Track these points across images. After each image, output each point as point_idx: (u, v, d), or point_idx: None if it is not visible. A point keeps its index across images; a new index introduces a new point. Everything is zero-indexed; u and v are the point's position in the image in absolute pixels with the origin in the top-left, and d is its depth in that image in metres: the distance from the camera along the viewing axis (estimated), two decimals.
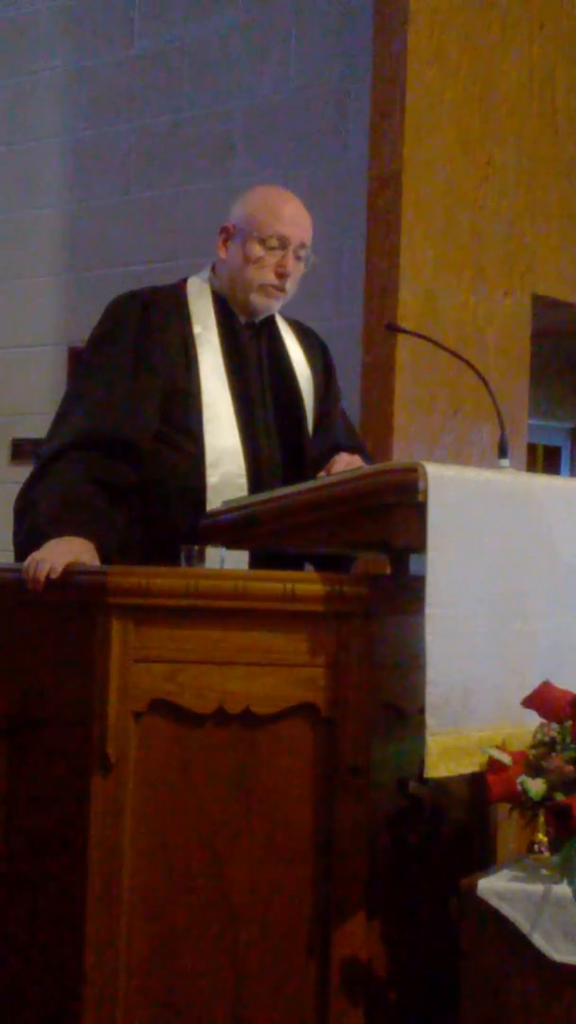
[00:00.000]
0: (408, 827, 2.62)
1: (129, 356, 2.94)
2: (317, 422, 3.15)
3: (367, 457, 3.15)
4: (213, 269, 3.11)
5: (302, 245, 3.00)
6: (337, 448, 3.10)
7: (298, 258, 3.01)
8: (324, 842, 2.49)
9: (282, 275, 2.99)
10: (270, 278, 2.99)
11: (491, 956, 2.40)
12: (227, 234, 3.03)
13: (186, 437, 2.94)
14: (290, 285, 3.02)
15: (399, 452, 4.52)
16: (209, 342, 3.01)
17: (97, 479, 2.82)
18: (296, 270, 3.02)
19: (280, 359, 3.12)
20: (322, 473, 2.95)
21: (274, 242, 2.97)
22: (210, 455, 2.93)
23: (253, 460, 2.97)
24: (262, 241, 2.97)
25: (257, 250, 2.98)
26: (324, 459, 3.04)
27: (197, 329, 3.01)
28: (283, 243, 2.97)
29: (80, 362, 3.14)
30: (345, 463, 2.96)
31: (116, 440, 2.86)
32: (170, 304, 3.03)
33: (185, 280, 3.12)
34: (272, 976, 2.48)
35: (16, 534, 2.86)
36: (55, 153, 5.86)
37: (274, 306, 3.06)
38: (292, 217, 2.99)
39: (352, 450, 3.09)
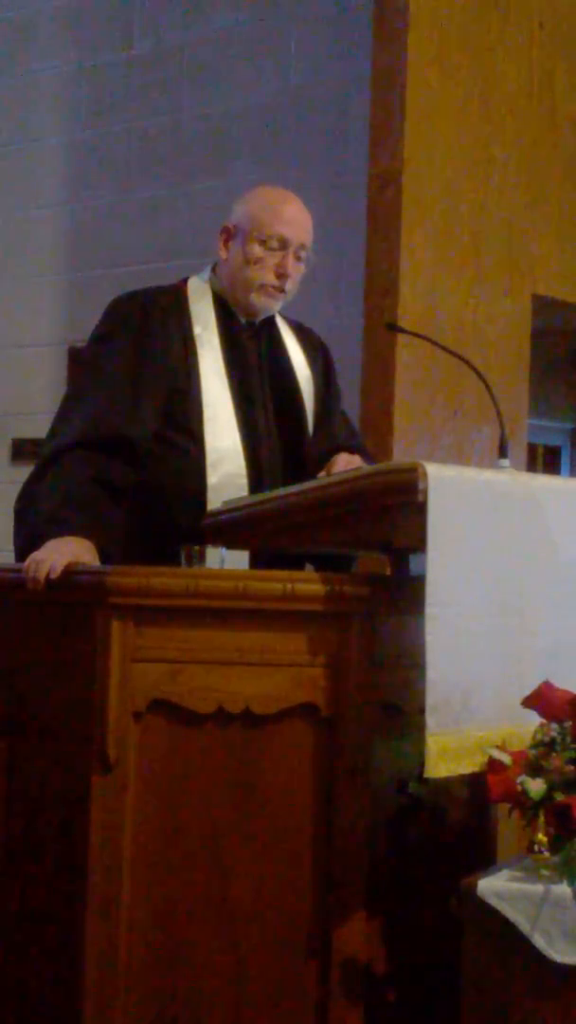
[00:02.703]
0: (408, 827, 2.62)
1: (129, 356, 2.94)
2: (317, 422, 3.15)
3: (367, 457, 3.15)
4: (213, 269, 3.11)
5: (302, 246, 3.00)
6: (337, 448, 3.10)
7: (298, 259, 3.01)
8: (324, 842, 2.49)
9: (282, 275, 2.99)
10: (270, 278, 2.99)
11: (491, 956, 2.40)
12: (227, 234, 3.03)
13: (186, 437, 2.94)
14: (290, 286, 3.02)
15: (399, 452, 4.52)
16: (209, 342, 3.01)
17: (97, 479, 2.82)
18: (296, 271, 3.02)
19: (280, 359, 3.12)
20: (322, 473, 2.95)
21: (274, 243, 2.97)
22: (210, 455, 2.93)
23: (253, 460, 2.97)
24: (262, 241, 2.97)
25: (257, 250, 2.98)
26: (324, 459, 3.04)
27: (197, 329, 3.01)
28: (283, 244, 2.98)
29: (80, 362, 3.14)
30: (345, 463, 2.96)
31: (116, 440, 2.86)
32: (170, 304, 3.03)
33: (185, 280, 3.12)
34: (272, 976, 2.48)
35: (16, 534, 2.86)
36: (55, 153, 5.86)
37: (274, 306, 3.06)
38: (292, 217, 2.99)
39: (352, 450, 3.09)
